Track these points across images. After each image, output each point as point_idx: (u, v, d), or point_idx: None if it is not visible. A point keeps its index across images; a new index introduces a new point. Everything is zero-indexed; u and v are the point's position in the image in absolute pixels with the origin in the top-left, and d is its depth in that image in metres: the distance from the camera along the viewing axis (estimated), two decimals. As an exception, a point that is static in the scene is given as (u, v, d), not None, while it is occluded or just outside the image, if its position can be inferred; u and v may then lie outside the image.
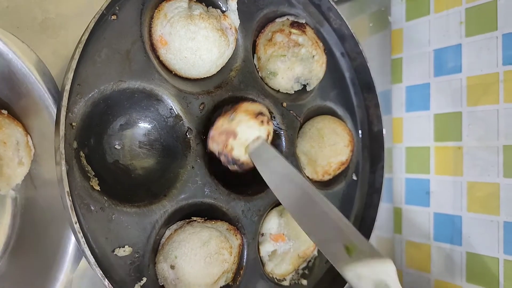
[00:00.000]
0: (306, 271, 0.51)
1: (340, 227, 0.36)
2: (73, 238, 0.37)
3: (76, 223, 0.32)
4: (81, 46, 0.34)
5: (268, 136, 0.42)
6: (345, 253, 0.35)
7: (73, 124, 0.36)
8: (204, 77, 0.45)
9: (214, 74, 0.46)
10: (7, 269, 0.41)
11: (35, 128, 0.39)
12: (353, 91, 0.58)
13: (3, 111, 0.39)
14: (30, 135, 0.40)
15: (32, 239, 0.41)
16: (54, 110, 0.36)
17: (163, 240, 0.41)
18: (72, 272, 0.38)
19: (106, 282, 0.34)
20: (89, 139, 0.39)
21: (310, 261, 0.52)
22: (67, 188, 0.32)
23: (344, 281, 0.51)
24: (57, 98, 0.38)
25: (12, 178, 0.39)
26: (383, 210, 0.56)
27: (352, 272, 0.33)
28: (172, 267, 0.39)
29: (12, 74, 0.36)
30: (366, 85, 0.57)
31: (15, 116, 0.39)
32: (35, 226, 0.41)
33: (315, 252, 0.52)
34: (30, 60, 0.36)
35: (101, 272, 0.34)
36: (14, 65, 0.35)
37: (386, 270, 0.33)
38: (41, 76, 0.36)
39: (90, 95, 0.37)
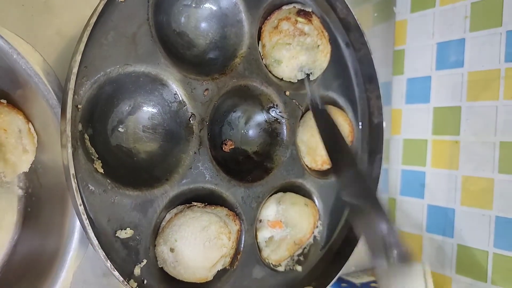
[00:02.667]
0: (301, 258, 0.53)
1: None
2: (78, 224, 0.38)
3: (80, 205, 0.33)
4: (89, 29, 0.34)
5: None
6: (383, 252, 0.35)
7: (79, 106, 0.36)
8: (209, 63, 0.45)
9: (219, 60, 0.46)
10: (15, 257, 0.42)
11: (36, 116, 0.39)
12: (355, 82, 0.58)
13: (2, 100, 0.39)
14: (31, 123, 0.40)
15: (37, 228, 0.42)
16: (52, 99, 0.36)
17: (163, 223, 0.42)
18: (79, 258, 0.39)
19: (109, 263, 0.34)
20: (93, 121, 0.39)
21: (305, 248, 0.53)
22: (72, 171, 0.32)
23: (337, 268, 0.53)
24: (56, 81, 0.38)
25: (18, 166, 0.39)
26: (378, 200, 0.57)
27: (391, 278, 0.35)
28: (172, 250, 0.40)
29: (8, 65, 0.35)
30: (368, 77, 0.57)
31: (15, 105, 0.39)
32: (40, 215, 0.42)
33: (311, 240, 0.53)
34: (25, 50, 0.36)
35: (104, 253, 0.34)
36: (10, 56, 0.35)
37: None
38: (38, 66, 0.36)
39: (96, 78, 0.37)
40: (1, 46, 0.34)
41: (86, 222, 0.33)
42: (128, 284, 0.36)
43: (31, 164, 0.40)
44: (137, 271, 0.38)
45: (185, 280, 0.41)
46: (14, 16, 0.42)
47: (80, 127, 0.36)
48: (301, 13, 0.50)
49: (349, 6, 0.53)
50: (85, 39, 0.33)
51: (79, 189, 0.34)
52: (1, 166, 0.38)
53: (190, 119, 0.43)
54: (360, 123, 0.59)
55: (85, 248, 0.39)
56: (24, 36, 0.42)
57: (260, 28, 0.50)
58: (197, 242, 0.40)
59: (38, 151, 0.40)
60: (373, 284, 0.68)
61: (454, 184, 0.66)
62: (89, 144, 0.37)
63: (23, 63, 0.35)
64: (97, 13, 0.34)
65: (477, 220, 0.62)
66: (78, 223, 0.38)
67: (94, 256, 0.38)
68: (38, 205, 0.42)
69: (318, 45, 0.49)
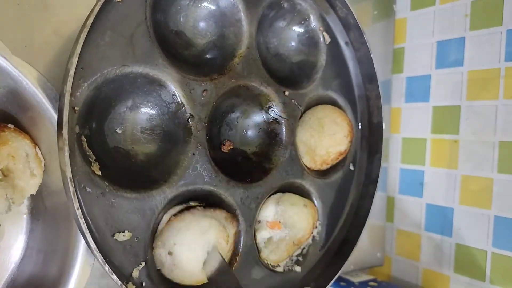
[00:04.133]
0: (300, 258, 0.52)
1: None
2: (82, 246, 0.38)
3: (78, 209, 0.33)
4: (86, 30, 0.33)
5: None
6: None
7: (76, 108, 0.35)
8: (207, 63, 0.45)
9: (218, 60, 0.46)
10: (19, 279, 0.42)
11: (42, 140, 0.40)
12: (355, 81, 0.57)
13: (9, 125, 0.39)
14: (38, 146, 0.40)
15: (42, 249, 0.42)
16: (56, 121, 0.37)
17: (161, 225, 0.41)
18: (84, 280, 0.39)
19: (107, 267, 0.34)
20: (90, 123, 0.38)
21: (304, 248, 0.53)
22: (69, 174, 0.32)
23: (337, 269, 0.53)
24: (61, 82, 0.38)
25: (26, 190, 0.39)
26: (377, 199, 0.57)
27: None
28: (170, 253, 0.40)
29: (17, 90, 0.36)
30: (368, 76, 0.57)
31: (22, 128, 0.40)
32: (45, 236, 0.42)
33: (310, 240, 0.53)
34: (33, 77, 0.37)
35: (102, 257, 0.34)
36: (18, 80, 0.36)
37: None
38: (45, 92, 0.37)
39: (93, 79, 0.36)
40: (10, 72, 0.35)
41: (84, 226, 0.33)
42: (127, 287, 0.36)
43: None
44: (135, 273, 0.38)
45: (182, 283, 0.41)
46: (10, 16, 0.41)
47: (77, 129, 0.36)
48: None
49: (348, 4, 0.53)
50: (81, 40, 0.33)
51: (76, 192, 0.33)
52: (10, 192, 0.38)
53: (189, 120, 0.42)
54: (359, 123, 0.58)
55: (89, 269, 0.39)
56: (20, 36, 0.42)
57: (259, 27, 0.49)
58: (196, 246, 0.40)
59: (44, 174, 0.40)
60: (371, 283, 0.68)
61: (453, 183, 0.66)
62: (86, 146, 0.37)
63: (32, 90, 0.36)
64: (94, 13, 0.34)
65: (475, 220, 0.63)
66: (82, 244, 0.38)
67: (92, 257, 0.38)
68: (43, 226, 0.42)
69: None
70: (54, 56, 0.44)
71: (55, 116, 0.37)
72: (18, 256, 0.43)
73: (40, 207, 0.43)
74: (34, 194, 0.40)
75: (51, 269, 0.40)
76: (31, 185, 0.40)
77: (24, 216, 0.43)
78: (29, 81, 0.36)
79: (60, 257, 0.40)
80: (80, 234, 0.38)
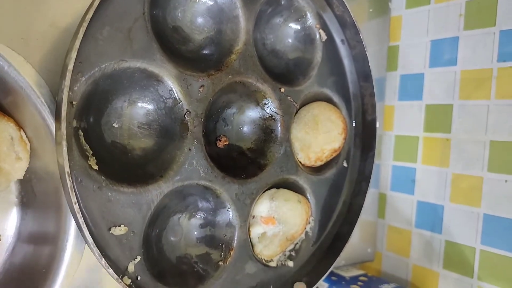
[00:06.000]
0: (293, 253, 0.53)
1: None
2: (72, 233, 0.38)
3: (75, 203, 0.33)
4: (85, 24, 0.33)
5: None
6: None
7: (73, 102, 0.35)
8: (204, 59, 0.45)
9: (215, 56, 0.46)
10: (11, 267, 0.42)
11: (27, 124, 0.39)
12: (350, 79, 0.58)
13: None
14: (23, 130, 0.39)
15: (33, 237, 0.42)
16: (45, 111, 0.37)
17: None
18: (75, 267, 0.39)
19: (103, 261, 0.34)
20: (88, 117, 0.38)
21: (297, 243, 0.54)
22: (67, 169, 0.32)
23: (329, 264, 0.53)
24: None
25: (12, 174, 0.39)
26: (369, 195, 0.57)
27: None
28: None
29: None
30: (363, 74, 0.57)
31: (5, 112, 0.39)
32: (35, 224, 0.42)
33: (303, 236, 0.54)
34: (17, 62, 0.36)
35: (98, 251, 0.34)
36: (1, 67, 0.35)
37: None
38: (29, 77, 0.37)
39: (91, 73, 0.36)
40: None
41: (81, 220, 0.33)
42: (122, 281, 0.37)
43: (25, 173, 0.40)
44: (131, 267, 0.38)
45: None
46: (7, 8, 0.41)
47: (74, 123, 0.36)
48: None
49: (345, 2, 0.53)
50: (80, 35, 0.33)
51: (74, 187, 0.33)
52: None
53: (185, 116, 0.43)
54: (353, 120, 0.59)
55: (80, 256, 0.39)
56: (17, 28, 0.41)
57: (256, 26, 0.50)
58: None
59: (32, 159, 0.40)
60: (361, 278, 0.69)
61: (444, 181, 0.67)
62: (83, 140, 0.37)
63: (14, 74, 0.35)
64: (93, 8, 0.34)
65: (465, 217, 0.64)
66: (72, 231, 0.38)
67: (86, 251, 0.38)
68: (33, 214, 0.42)
69: None
70: (50, 48, 0.43)
71: (42, 105, 0.37)
72: (10, 243, 0.42)
73: (29, 194, 0.43)
74: (21, 178, 0.40)
75: (42, 256, 0.40)
76: (17, 169, 0.39)
77: (14, 203, 0.43)
78: (11, 65, 0.35)
79: (50, 244, 0.40)
80: (70, 220, 0.38)
